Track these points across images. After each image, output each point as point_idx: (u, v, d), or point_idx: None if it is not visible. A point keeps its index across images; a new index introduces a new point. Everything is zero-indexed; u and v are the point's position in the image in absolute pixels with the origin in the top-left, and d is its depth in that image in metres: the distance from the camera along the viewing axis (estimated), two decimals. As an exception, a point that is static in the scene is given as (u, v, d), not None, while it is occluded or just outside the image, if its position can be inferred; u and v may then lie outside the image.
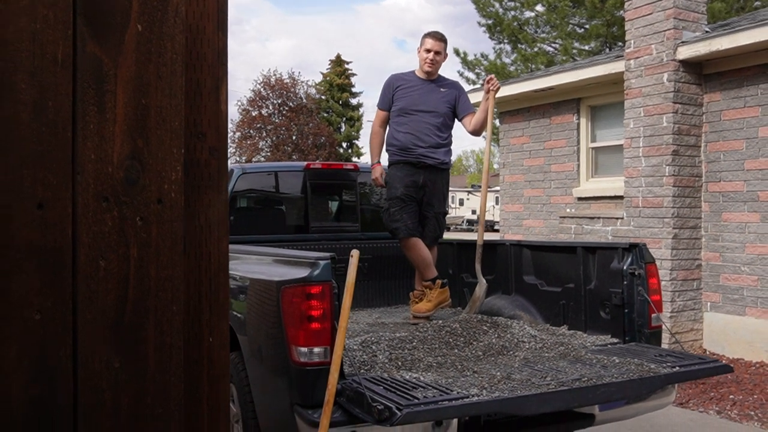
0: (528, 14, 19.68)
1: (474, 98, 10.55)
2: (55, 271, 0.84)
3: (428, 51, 4.91)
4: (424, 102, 4.88)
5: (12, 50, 0.82)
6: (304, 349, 3.01)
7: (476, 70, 20.77)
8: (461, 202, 42.32)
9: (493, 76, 4.98)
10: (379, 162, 5.01)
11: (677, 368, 3.18)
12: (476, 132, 4.99)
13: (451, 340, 3.80)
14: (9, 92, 0.82)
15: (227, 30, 1.12)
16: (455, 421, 3.00)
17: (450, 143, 5.02)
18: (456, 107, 5.00)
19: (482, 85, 5.02)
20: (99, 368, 0.88)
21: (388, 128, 5.06)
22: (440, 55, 4.95)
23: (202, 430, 1.04)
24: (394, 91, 4.97)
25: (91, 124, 0.87)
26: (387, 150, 5.05)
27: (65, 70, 0.85)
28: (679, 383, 3.50)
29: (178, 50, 0.96)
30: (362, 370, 3.22)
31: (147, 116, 0.92)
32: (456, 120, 5.10)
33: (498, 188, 11.02)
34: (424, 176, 4.82)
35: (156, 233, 0.93)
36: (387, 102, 5.00)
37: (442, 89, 4.98)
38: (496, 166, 11.32)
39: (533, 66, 19.20)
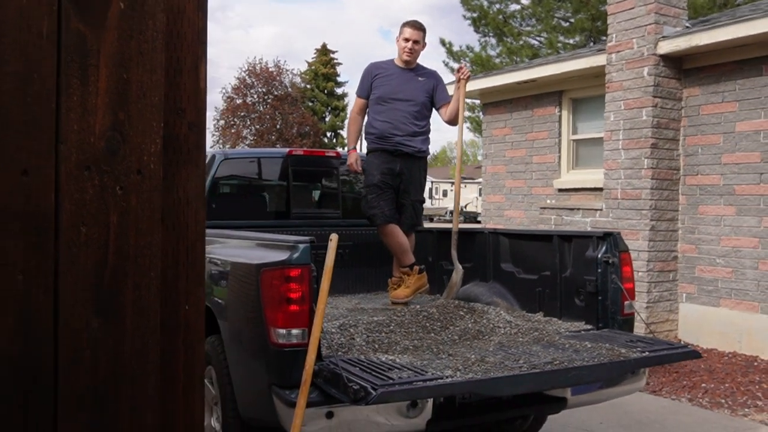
0: (513, 7, 19.73)
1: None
2: (38, 235, 0.89)
3: (407, 40, 4.96)
4: (403, 90, 4.93)
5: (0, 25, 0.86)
6: (282, 331, 3.06)
7: (461, 62, 20.82)
8: (444, 194, 42.44)
9: (463, 65, 5.05)
10: (354, 148, 5.06)
11: (647, 353, 3.27)
12: (452, 122, 5.05)
13: (427, 324, 3.87)
14: (-4, 63, 0.86)
15: (207, 10, 1.17)
16: (430, 402, 3.06)
17: (427, 131, 5.08)
18: (434, 96, 5.06)
19: (458, 77, 5.07)
20: (78, 328, 0.93)
21: (366, 116, 5.11)
22: (419, 44, 5.00)
23: (178, 393, 1.09)
24: (372, 79, 5.02)
25: (75, 96, 0.92)
26: (365, 138, 5.11)
27: (50, 45, 0.89)
28: (649, 368, 3.58)
29: (159, 28, 1.01)
30: (339, 352, 3.28)
31: (128, 90, 0.97)
32: (433, 109, 5.15)
33: (481, 180, 11.09)
34: (401, 164, 4.88)
35: (135, 202, 0.98)
36: (366, 90, 5.05)
37: (420, 78, 5.03)
38: (480, 158, 11.40)
39: (518, 59, 19.28)
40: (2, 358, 0.86)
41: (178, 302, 1.10)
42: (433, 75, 5.13)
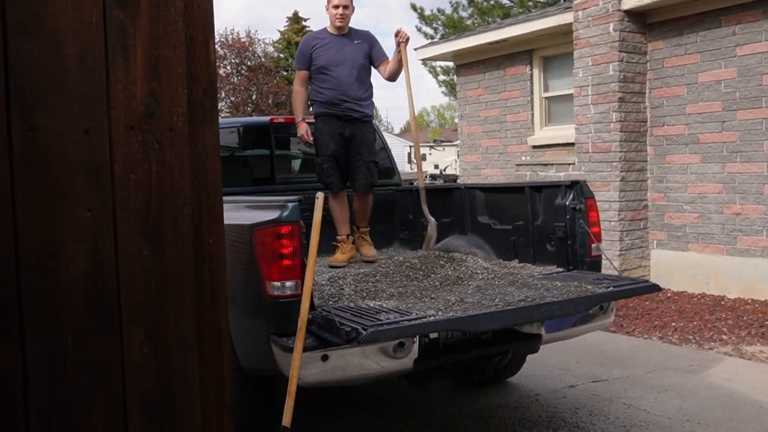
0: (483, -33, 19.81)
1: (432, 51, 10.81)
2: (99, 180, 1.14)
3: (336, 7, 5.11)
4: (342, 57, 5.10)
5: (60, 17, 1.10)
6: (277, 284, 3.31)
7: (434, 25, 20.92)
8: (423, 158, 42.61)
9: (401, 28, 5.21)
10: (303, 120, 5.20)
11: (612, 288, 3.57)
12: (391, 78, 5.23)
13: (411, 273, 4.15)
14: (60, 48, 1.10)
15: (212, -6, 1.41)
16: (416, 343, 3.35)
17: (371, 95, 5.27)
18: (371, 56, 5.25)
19: (397, 41, 5.20)
20: (133, 253, 1.18)
21: (310, 86, 5.29)
22: (348, 8, 5.16)
23: (207, 310, 1.36)
24: (311, 50, 5.16)
25: (119, 71, 1.16)
26: (312, 104, 5.27)
27: (99, 31, 1.14)
28: (614, 301, 3.88)
29: (178, 12, 1.25)
30: (330, 302, 3.55)
31: (159, 64, 1.21)
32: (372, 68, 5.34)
33: (458, 142, 11.35)
34: (350, 128, 5.08)
35: (169, 154, 1.23)
36: (306, 62, 5.20)
37: (355, 42, 5.20)
38: (456, 120, 11.66)
39: (490, 19, 19.42)
40: (80, 274, 1.11)
41: (203, 237, 1.36)
42: (366, 36, 5.30)
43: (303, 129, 5.13)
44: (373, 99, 5.34)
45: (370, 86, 5.27)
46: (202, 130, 1.35)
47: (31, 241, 1.08)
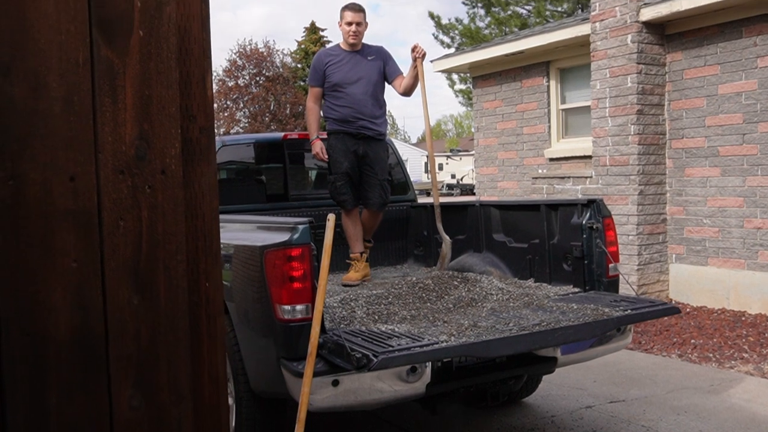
0: (500, -23, 19.76)
1: (449, 63, 10.75)
2: (86, 229, 1.09)
3: (349, 24, 5.09)
4: (356, 73, 5.06)
5: (45, 57, 1.05)
6: (287, 307, 3.26)
7: (451, 34, 20.89)
8: (440, 167, 42.54)
9: (417, 43, 5.16)
10: (317, 137, 5.16)
11: (629, 311, 3.48)
12: (406, 93, 5.19)
13: (424, 294, 4.08)
14: (44, 90, 1.05)
15: (210, 27, 1.36)
16: (429, 367, 3.28)
17: (385, 112, 5.24)
18: (385, 72, 5.20)
19: (413, 56, 5.15)
20: (122, 304, 1.13)
21: (323, 103, 5.24)
22: (361, 25, 5.13)
23: (203, 356, 1.30)
24: (324, 67, 5.13)
25: (107, 112, 1.11)
26: (326, 121, 5.23)
27: (86, 71, 1.08)
28: (639, 327, 3.80)
29: (171, 49, 1.20)
30: (342, 325, 3.49)
31: (150, 104, 1.16)
32: (386, 83, 5.28)
33: (474, 152, 11.27)
34: (364, 147, 5.04)
35: (161, 198, 1.18)
36: (319, 78, 5.16)
37: (369, 58, 5.17)
38: (473, 130, 11.60)
39: (507, 29, 19.35)
40: (66, 329, 1.06)
41: (200, 280, 1.30)
42: (380, 52, 5.27)
43: (318, 147, 5.09)
44: (386, 117, 5.30)
45: (384, 103, 5.23)
46: (198, 169, 1.30)
47: (12, 294, 1.03)
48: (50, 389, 1.06)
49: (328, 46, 5.39)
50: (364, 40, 5.24)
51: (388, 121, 5.37)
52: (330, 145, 5.10)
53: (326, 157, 5.08)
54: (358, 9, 5.14)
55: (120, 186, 1.13)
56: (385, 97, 5.29)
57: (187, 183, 1.25)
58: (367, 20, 5.20)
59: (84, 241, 1.09)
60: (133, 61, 1.14)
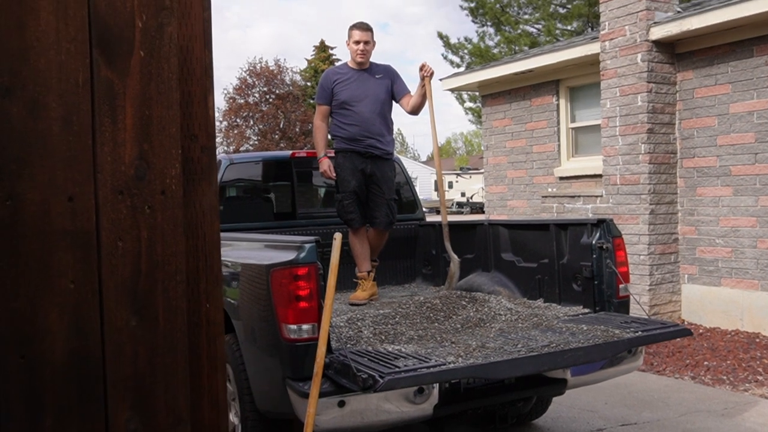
0: (510, -4, 19.85)
1: (458, 81, 10.77)
2: (84, 249, 1.08)
3: (357, 42, 5.10)
4: (364, 92, 5.07)
5: (44, 77, 1.04)
6: (293, 327, 3.24)
7: (460, 53, 20.95)
8: (450, 185, 42.55)
9: (425, 62, 5.16)
10: (325, 155, 5.16)
11: (640, 333, 3.43)
12: (414, 112, 5.19)
13: (431, 314, 4.05)
14: (43, 110, 1.04)
15: (212, 47, 1.35)
16: (436, 388, 3.24)
17: (392, 131, 5.24)
18: (393, 90, 5.21)
19: (422, 75, 5.14)
20: (120, 326, 1.11)
21: (331, 121, 5.25)
22: (369, 44, 5.15)
23: (203, 378, 1.28)
24: (332, 85, 5.14)
25: (107, 132, 1.10)
26: (333, 139, 5.23)
27: (85, 91, 1.08)
28: (651, 348, 3.75)
29: (173, 70, 1.19)
30: (348, 345, 3.46)
31: (150, 125, 1.15)
32: (394, 102, 5.29)
33: (483, 170, 11.26)
34: (371, 165, 5.04)
35: (161, 218, 1.17)
36: (327, 96, 5.17)
37: (377, 76, 5.17)
38: (483, 148, 11.58)
39: (517, 47, 19.39)
40: (63, 351, 1.04)
41: (200, 301, 1.29)
42: (387, 70, 5.28)
43: (326, 165, 5.09)
44: (393, 136, 5.30)
45: (392, 122, 5.23)
46: (200, 189, 1.29)
47: (9, 315, 1.02)
48: (46, 412, 1.05)
49: (336, 64, 5.41)
50: (372, 59, 5.25)
51: (398, 139, 5.37)
52: (338, 163, 5.10)
53: (334, 175, 5.08)
54: (366, 28, 5.16)
55: (119, 206, 1.12)
56: (394, 115, 5.29)
57: (187, 202, 1.24)
58: (374, 39, 5.21)
59: (82, 261, 1.08)
60: (134, 81, 1.14)
